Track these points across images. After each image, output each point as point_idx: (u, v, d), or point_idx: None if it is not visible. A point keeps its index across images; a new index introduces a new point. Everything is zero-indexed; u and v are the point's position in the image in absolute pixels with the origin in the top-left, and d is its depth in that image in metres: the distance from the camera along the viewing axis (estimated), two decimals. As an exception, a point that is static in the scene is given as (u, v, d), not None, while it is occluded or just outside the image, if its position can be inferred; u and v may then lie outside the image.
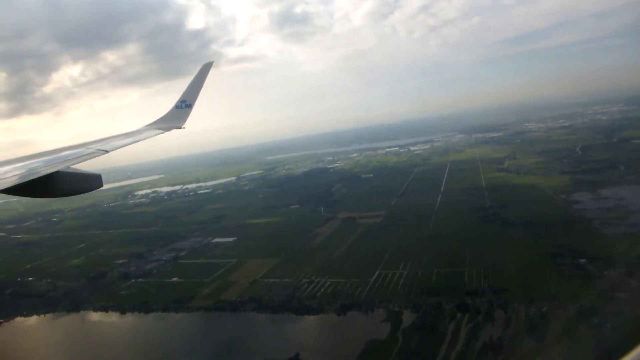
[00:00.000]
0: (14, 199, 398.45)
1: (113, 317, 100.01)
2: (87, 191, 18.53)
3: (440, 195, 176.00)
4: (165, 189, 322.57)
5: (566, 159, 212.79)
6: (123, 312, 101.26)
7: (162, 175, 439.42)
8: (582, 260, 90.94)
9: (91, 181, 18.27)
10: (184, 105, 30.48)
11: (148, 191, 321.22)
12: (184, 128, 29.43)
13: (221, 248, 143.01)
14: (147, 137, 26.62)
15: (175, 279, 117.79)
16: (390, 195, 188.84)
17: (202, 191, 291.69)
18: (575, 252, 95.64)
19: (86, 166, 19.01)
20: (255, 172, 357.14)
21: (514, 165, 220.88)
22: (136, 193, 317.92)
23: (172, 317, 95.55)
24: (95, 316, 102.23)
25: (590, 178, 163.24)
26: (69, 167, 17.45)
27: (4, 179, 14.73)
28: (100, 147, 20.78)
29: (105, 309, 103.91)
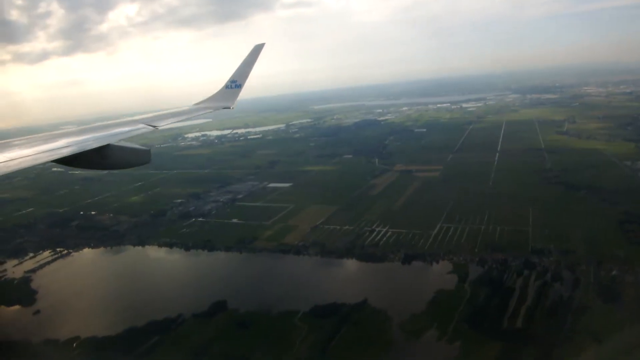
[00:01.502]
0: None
1: (179, 253, 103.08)
2: (136, 165, 19.18)
3: (497, 154, 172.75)
4: (215, 132, 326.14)
5: (630, 126, 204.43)
6: (187, 249, 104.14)
7: (209, 120, 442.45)
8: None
9: (140, 155, 18.95)
10: (234, 86, 30.50)
11: (197, 134, 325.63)
12: (233, 108, 29.36)
13: (278, 193, 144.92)
14: (196, 116, 27.10)
15: (235, 220, 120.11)
16: (446, 151, 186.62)
17: (252, 137, 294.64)
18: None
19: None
20: (304, 121, 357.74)
21: (574, 129, 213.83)
22: (186, 136, 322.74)
23: (237, 257, 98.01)
24: (160, 251, 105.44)
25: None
26: (120, 141, 18.02)
27: (58, 149, 15.25)
28: (150, 124, 21.36)
29: (169, 245, 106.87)
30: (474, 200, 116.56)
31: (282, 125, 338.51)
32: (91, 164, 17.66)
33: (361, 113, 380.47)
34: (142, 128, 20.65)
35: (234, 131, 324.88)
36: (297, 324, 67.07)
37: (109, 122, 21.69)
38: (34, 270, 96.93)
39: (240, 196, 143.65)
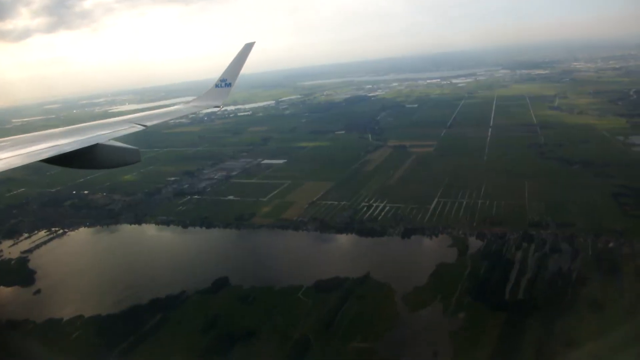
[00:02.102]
0: (52, 115, 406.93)
1: (176, 231, 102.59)
2: (125, 164, 19.16)
3: (490, 130, 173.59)
4: (204, 110, 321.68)
5: (621, 101, 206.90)
6: (185, 226, 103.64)
7: (196, 97, 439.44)
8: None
9: (129, 155, 18.90)
10: (224, 84, 30.78)
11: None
12: (222, 108, 30.51)
13: (272, 169, 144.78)
14: (185, 114, 27.20)
15: (231, 197, 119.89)
16: (439, 126, 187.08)
17: (241, 114, 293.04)
18: (638, 192, 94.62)
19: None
20: (294, 97, 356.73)
21: (565, 104, 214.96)
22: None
23: (236, 233, 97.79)
24: (158, 229, 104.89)
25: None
26: (108, 140, 18.07)
27: (47, 149, 15.32)
28: (140, 122, 21.60)
29: (166, 223, 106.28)
30: (470, 175, 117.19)
31: (271, 102, 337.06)
32: (81, 163, 17.65)
33: (351, 89, 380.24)
34: (131, 127, 20.69)
35: (223, 108, 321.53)
36: (301, 298, 67.38)
37: (98, 122, 21.75)
38: (30, 250, 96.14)
39: (234, 173, 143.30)
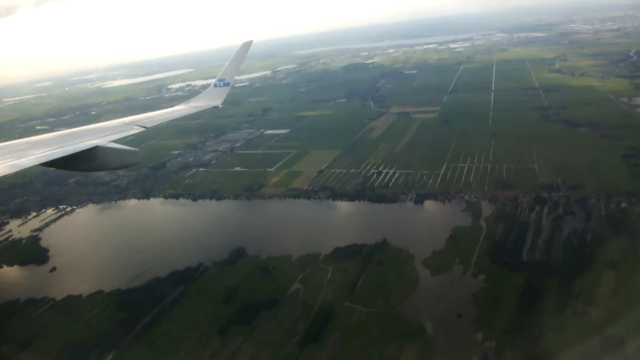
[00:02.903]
0: (44, 93, 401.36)
1: (186, 204, 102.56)
2: (126, 166, 19.60)
3: (492, 94, 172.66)
4: (199, 82, 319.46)
5: (622, 62, 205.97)
6: (194, 199, 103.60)
7: (191, 69, 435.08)
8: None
9: (129, 156, 19.13)
10: (222, 84, 30.97)
11: (181, 84, 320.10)
12: (222, 107, 29.74)
13: (277, 139, 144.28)
14: (185, 115, 27.20)
15: (238, 168, 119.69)
16: (440, 92, 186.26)
17: (239, 85, 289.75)
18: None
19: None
20: (290, 67, 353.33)
21: (566, 66, 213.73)
22: (169, 87, 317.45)
23: (247, 204, 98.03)
24: (167, 203, 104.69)
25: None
26: (108, 142, 18.07)
27: (47, 153, 15.29)
28: (139, 124, 21.74)
29: (175, 197, 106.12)
30: (476, 139, 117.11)
31: (267, 72, 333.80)
32: (81, 166, 17.65)
33: (347, 57, 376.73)
34: (132, 129, 20.91)
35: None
36: (320, 266, 67.80)
37: (99, 124, 21.83)
38: (40, 229, 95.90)
39: (238, 144, 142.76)
